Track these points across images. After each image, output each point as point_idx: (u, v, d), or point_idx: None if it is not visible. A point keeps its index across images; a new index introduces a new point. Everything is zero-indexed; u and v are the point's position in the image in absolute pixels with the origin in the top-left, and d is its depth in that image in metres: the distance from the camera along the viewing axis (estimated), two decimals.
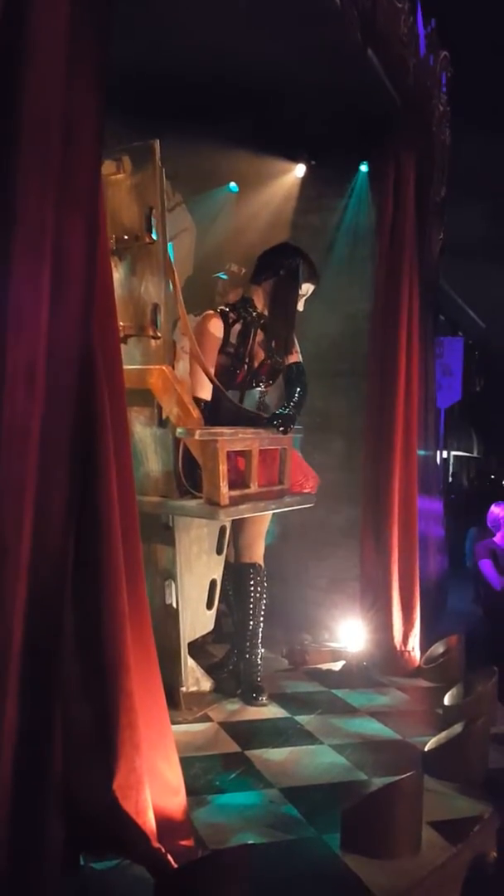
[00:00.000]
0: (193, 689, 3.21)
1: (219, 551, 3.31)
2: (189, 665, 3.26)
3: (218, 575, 3.31)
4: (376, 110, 4.03)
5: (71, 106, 1.73)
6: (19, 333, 1.65)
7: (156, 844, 1.81)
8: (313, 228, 4.59)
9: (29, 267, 1.67)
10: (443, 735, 2.73)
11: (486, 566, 5.13)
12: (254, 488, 3.08)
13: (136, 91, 3.51)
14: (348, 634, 4.03)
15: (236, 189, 4.60)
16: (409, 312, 4.04)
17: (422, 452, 4.34)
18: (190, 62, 3.59)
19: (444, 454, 9.46)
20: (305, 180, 4.57)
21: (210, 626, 3.34)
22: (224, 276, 4.46)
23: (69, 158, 1.72)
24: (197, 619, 3.22)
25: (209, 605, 3.28)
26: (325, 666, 3.82)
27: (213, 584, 3.28)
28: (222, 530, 3.31)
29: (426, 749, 2.71)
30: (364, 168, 4.40)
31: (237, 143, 4.16)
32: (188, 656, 3.26)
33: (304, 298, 3.52)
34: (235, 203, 4.57)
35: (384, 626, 3.85)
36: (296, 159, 4.52)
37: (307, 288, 3.49)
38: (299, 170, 4.54)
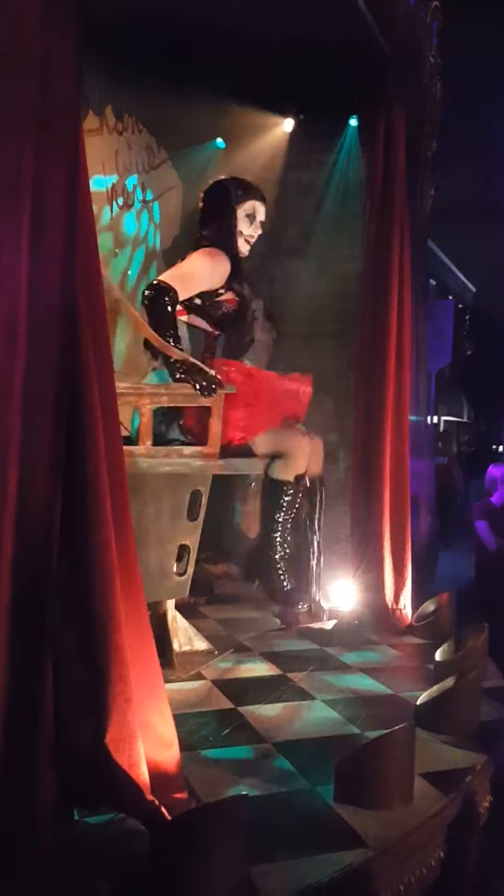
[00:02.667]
0: (186, 648, 3.21)
1: (190, 517, 3.07)
2: (182, 625, 3.27)
3: (190, 541, 3.08)
4: (366, 62, 3.93)
5: (46, 44, 1.66)
6: None
7: (149, 797, 1.81)
8: (302, 185, 4.52)
9: (7, 214, 1.62)
10: (434, 689, 2.74)
11: (482, 527, 5.14)
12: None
13: (117, 43, 3.41)
14: (340, 594, 4.03)
15: (223, 145, 4.51)
16: (399, 270, 3.98)
17: (413, 418, 4.31)
18: (173, 11, 3.48)
19: (435, 419, 9.45)
20: (294, 135, 4.49)
21: (181, 593, 3.15)
22: None
23: (47, 98, 1.65)
24: (158, 584, 3.00)
25: (179, 571, 3.07)
26: (316, 625, 3.83)
27: (182, 549, 3.06)
28: (195, 494, 3.05)
29: (418, 703, 2.72)
30: (354, 122, 4.31)
31: (223, 97, 4.08)
32: (181, 617, 3.27)
33: (259, 221, 3.30)
34: (223, 159, 4.48)
35: (376, 586, 3.86)
36: (284, 113, 4.43)
37: (251, 207, 3.27)
38: (287, 124, 4.46)
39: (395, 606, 3.86)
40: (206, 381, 2.86)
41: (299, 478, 3.33)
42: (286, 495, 3.30)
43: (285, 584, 3.39)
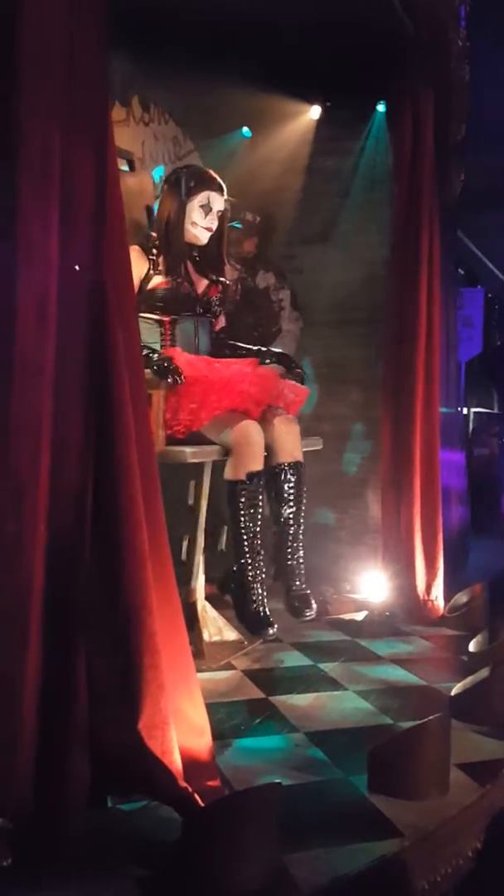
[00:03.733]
0: (216, 638, 3.20)
1: (189, 507, 3.03)
2: (212, 615, 3.26)
3: (188, 531, 3.03)
4: (392, 47, 3.88)
5: (73, 30, 1.65)
6: (30, 267, 1.60)
7: (182, 784, 1.81)
8: (329, 172, 4.47)
9: (36, 200, 1.62)
10: (469, 680, 2.71)
11: None
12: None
13: (143, 33, 3.40)
14: (370, 585, 4.00)
15: (249, 134, 4.48)
16: (429, 256, 3.93)
17: (444, 410, 4.26)
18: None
19: (465, 410, 9.34)
20: (320, 122, 4.43)
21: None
22: (238, 226, 4.36)
23: (74, 83, 1.65)
24: None
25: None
26: (347, 616, 3.81)
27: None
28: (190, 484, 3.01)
29: (452, 694, 2.69)
30: (381, 108, 4.25)
31: (249, 86, 4.03)
32: (211, 607, 3.27)
33: (216, 211, 3.16)
34: (249, 148, 4.45)
35: (407, 577, 3.82)
36: (310, 101, 4.38)
37: (205, 197, 3.12)
38: (314, 111, 4.41)
39: (426, 597, 3.82)
40: (156, 366, 2.78)
41: (253, 475, 2.83)
42: (241, 497, 2.82)
43: (254, 605, 2.84)
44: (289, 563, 2.96)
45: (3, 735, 1.63)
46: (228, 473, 2.86)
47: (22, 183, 1.54)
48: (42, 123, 1.61)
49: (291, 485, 2.96)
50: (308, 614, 2.91)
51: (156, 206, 3.28)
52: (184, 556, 3.05)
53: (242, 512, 2.83)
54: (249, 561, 2.85)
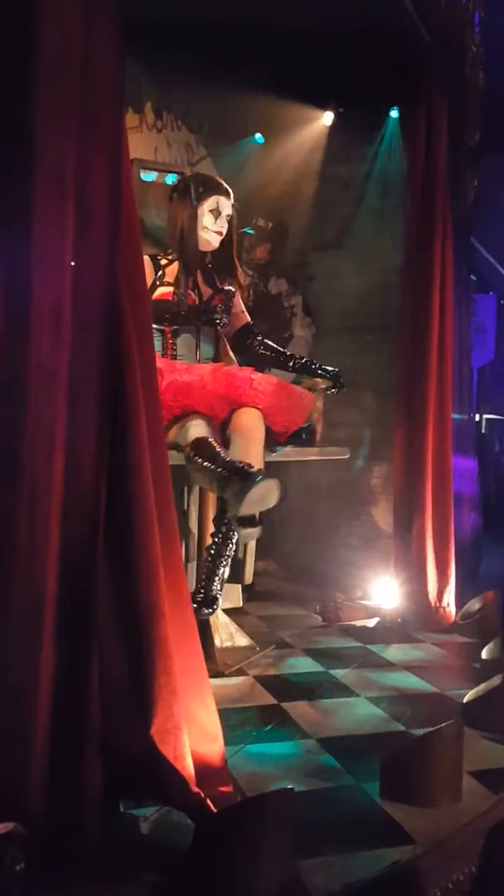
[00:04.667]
0: (228, 644, 3.19)
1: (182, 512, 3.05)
2: (223, 621, 3.26)
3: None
4: (406, 53, 3.88)
5: (88, 37, 1.67)
6: (44, 274, 1.61)
7: (195, 790, 1.80)
8: (342, 179, 4.49)
9: (51, 205, 1.63)
10: (481, 687, 2.69)
11: None
12: None
13: (156, 39, 3.42)
14: (382, 592, 3.99)
15: (262, 140, 4.49)
16: (442, 263, 3.92)
17: (456, 416, 4.25)
18: (210, 5, 3.47)
19: (477, 417, 9.31)
20: (333, 129, 4.45)
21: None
22: (251, 232, 4.38)
23: (89, 89, 1.66)
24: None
25: None
26: (359, 622, 3.80)
27: None
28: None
29: (465, 701, 2.67)
30: (395, 114, 4.26)
31: (262, 92, 4.05)
32: (222, 613, 3.27)
33: (226, 216, 3.19)
34: (262, 155, 4.46)
35: (418, 583, 3.80)
36: (323, 107, 4.40)
37: (214, 202, 3.16)
38: (327, 118, 4.42)
39: (438, 604, 3.80)
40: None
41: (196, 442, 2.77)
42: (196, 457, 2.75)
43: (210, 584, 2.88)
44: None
45: (16, 741, 1.63)
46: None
47: (37, 188, 1.55)
48: (57, 128, 1.62)
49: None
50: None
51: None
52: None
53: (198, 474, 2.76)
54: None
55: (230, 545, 2.92)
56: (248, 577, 3.10)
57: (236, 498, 2.62)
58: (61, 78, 1.58)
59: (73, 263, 1.61)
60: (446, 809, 2.05)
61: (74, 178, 1.63)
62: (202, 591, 2.88)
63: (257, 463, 2.78)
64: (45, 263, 1.58)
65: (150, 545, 1.72)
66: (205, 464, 2.72)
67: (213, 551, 2.91)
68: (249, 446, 2.83)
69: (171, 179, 4.07)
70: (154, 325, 3.11)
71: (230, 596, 3.24)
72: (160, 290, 3.16)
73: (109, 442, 1.67)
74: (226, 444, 2.86)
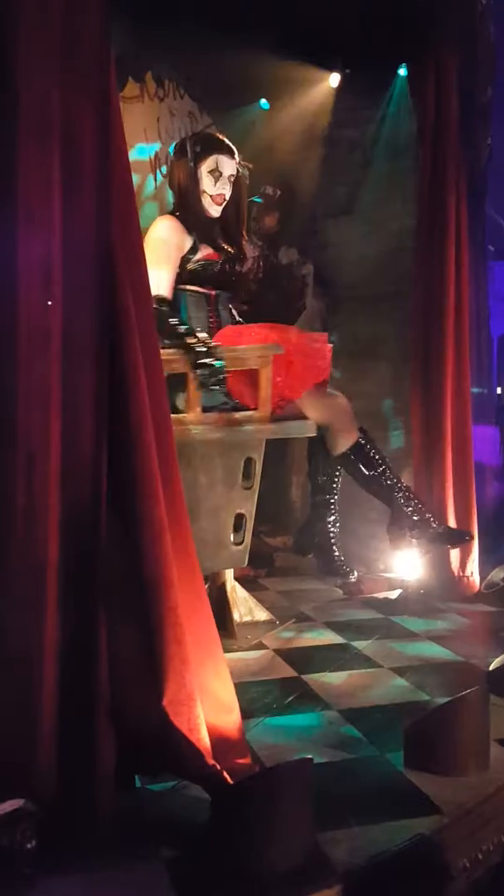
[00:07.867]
0: (247, 619, 3.15)
1: (245, 484, 3.00)
2: (241, 596, 3.21)
3: (246, 509, 3.00)
4: (413, 7, 3.75)
5: None
6: (30, 228, 1.54)
7: (211, 762, 1.74)
8: (350, 142, 4.36)
9: (36, 158, 1.55)
10: None
11: None
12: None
13: (153, 5, 3.32)
14: (403, 564, 3.91)
15: (267, 106, 4.37)
16: (456, 224, 3.80)
17: (476, 390, 4.14)
18: None
19: (499, 390, 9.13)
20: (340, 90, 4.31)
21: (239, 563, 3.10)
22: (258, 200, 4.28)
23: (71, 39, 1.57)
24: (215, 554, 2.96)
25: (236, 541, 3.00)
26: (381, 595, 3.72)
27: (238, 517, 2.99)
28: (248, 461, 2.97)
29: (490, 668, 2.59)
30: (403, 72, 4.11)
31: (265, 55, 3.92)
32: (241, 587, 3.21)
33: (228, 176, 3.00)
34: (267, 121, 4.34)
35: (441, 553, 3.72)
36: (329, 68, 4.26)
37: (213, 162, 2.97)
38: (333, 79, 4.29)
39: (461, 574, 3.72)
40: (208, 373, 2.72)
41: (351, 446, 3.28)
42: (341, 468, 3.33)
43: (339, 556, 3.43)
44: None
45: (22, 716, 1.58)
46: (335, 448, 3.28)
47: (20, 137, 1.47)
48: (40, 82, 1.54)
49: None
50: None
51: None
52: (243, 538, 3.03)
53: (338, 479, 3.42)
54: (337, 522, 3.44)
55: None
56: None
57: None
58: (41, 18, 1.50)
59: (62, 217, 1.54)
60: (473, 778, 1.98)
61: (60, 126, 1.56)
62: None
63: None
64: (31, 214, 1.51)
65: (154, 511, 1.65)
66: None
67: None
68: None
69: None
70: (198, 289, 3.03)
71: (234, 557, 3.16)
72: (202, 252, 3.02)
73: (108, 403, 1.60)
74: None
